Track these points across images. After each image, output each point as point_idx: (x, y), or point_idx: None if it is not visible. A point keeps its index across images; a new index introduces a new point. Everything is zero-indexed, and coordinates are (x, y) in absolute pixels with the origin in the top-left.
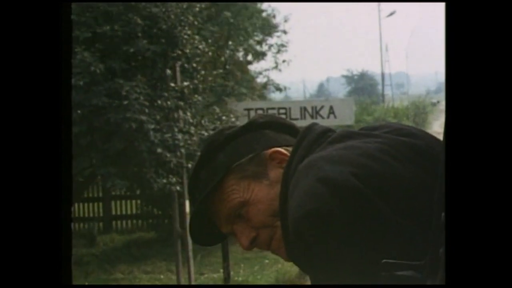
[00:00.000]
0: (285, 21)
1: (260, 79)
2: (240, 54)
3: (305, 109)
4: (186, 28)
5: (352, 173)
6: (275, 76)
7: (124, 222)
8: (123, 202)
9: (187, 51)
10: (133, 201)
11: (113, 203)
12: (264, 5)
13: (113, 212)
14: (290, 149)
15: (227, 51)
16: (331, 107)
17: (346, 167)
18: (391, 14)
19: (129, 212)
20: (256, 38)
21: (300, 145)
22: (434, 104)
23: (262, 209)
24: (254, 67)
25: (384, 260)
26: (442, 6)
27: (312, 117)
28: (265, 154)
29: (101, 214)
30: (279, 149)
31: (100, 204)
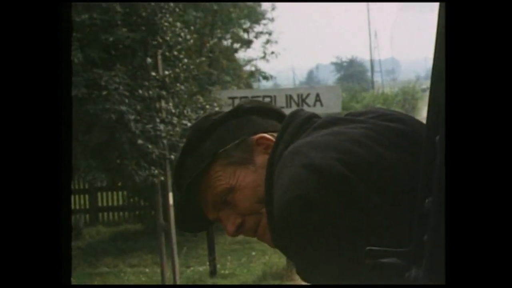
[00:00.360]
0: (272, 9)
1: (249, 68)
2: (226, 42)
3: (291, 97)
4: (167, 15)
5: (337, 159)
6: (263, 65)
7: (110, 214)
8: (109, 193)
9: (168, 38)
10: (119, 193)
11: (99, 194)
12: None
13: (99, 204)
14: (276, 135)
15: (213, 39)
16: (317, 95)
17: (332, 153)
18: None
19: (115, 203)
20: (244, 26)
21: (285, 131)
22: (424, 90)
23: (248, 195)
24: (242, 56)
25: (368, 248)
26: None
27: (298, 105)
28: (251, 140)
29: (87, 206)
30: (265, 135)
31: (86, 196)
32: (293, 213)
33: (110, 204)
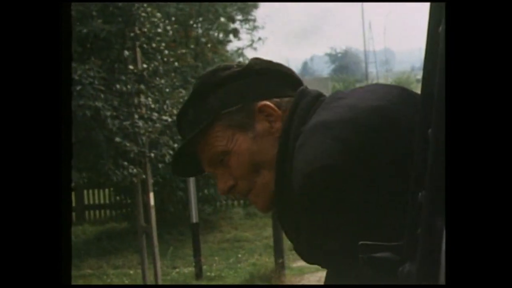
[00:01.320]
0: None
1: (240, 59)
2: (213, 33)
3: None
4: (145, 5)
5: (358, 132)
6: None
7: (97, 212)
8: (96, 191)
9: (146, 30)
10: (106, 190)
11: (85, 192)
12: None
13: (86, 202)
14: (280, 101)
15: (198, 30)
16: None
17: (354, 126)
18: None
19: (102, 201)
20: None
21: (298, 107)
22: (418, 81)
23: (242, 161)
24: (230, 47)
25: (361, 242)
26: None
27: None
28: (255, 106)
29: (74, 204)
30: (269, 103)
31: (73, 193)
32: (318, 181)
33: (96, 202)
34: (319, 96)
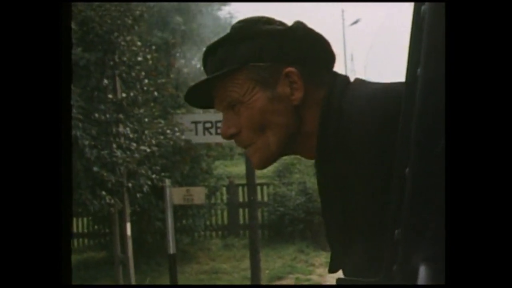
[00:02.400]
0: None
1: None
2: (194, 63)
3: None
4: (125, 33)
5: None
6: None
7: (74, 241)
8: (74, 220)
9: (126, 58)
10: (84, 219)
11: None
12: (223, 10)
13: None
14: (309, 72)
15: (180, 60)
16: None
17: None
18: (355, 22)
19: (79, 230)
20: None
21: (336, 83)
22: None
23: (253, 116)
24: None
25: (338, 277)
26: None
27: None
28: (283, 70)
29: None
30: (296, 71)
31: None
32: (376, 127)
33: (74, 231)
34: (347, 77)
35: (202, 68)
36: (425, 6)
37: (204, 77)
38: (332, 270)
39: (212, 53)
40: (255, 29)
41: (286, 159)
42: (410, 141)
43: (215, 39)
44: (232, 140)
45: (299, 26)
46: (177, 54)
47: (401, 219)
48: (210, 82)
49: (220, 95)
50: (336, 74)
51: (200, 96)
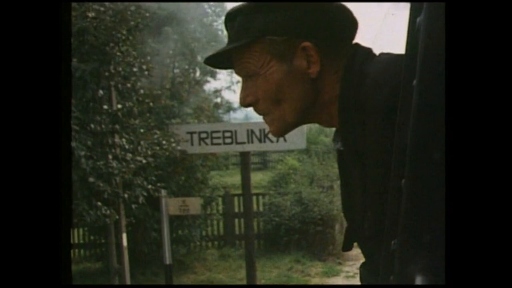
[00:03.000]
0: None
1: (218, 100)
2: (189, 73)
3: (252, 132)
4: (120, 44)
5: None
6: (232, 95)
7: (71, 251)
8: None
9: (121, 69)
10: (80, 229)
11: None
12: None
13: None
14: (326, 47)
15: (175, 70)
16: None
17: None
18: None
19: (76, 240)
20: (204, 55)
21: (357, 52)
22: None
23: (269, 88)
24: (208, 87)
25: None
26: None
27: (260, 140)
28: (300, 43)
29: None
30: (312, 46)
31: None
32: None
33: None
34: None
35: (198, 78)
36: (420, 18)
37: (196, 87)
38: (345, 248)
39: (232, 20)
40: (272, 2)
41: (281, 169)
42: (406, 151)
43: (210, 50)
44: (227, 150)
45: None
46: (172, 64)
47: (398, 229)
48: (228, 52)
49: (238, 65)
50: (357, 45)
51: (221, 60)
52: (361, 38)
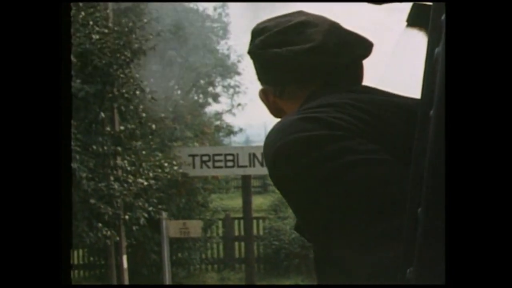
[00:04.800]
0: (238, 61)
1: (218, 123)
2: (192, 96)
3: (254, 155)
4: (124, 66)
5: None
6: (232, 119)
7: (70, 272)
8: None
9: (124, 91)
10: (80, 250)
11: None
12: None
13: None
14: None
15: (178, 92)
16: None
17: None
18: None
19: (76, 262)
20: (207, 79)
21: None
22: None
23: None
24: (209, 110)
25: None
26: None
27: (262, 164)
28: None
29: None
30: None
31: None
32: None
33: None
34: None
35: (199, 100)
36: (439, 48)
37: (198, 110)
38: None
39: (253, 37)
40: (253, 48)
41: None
42: (422, 181)
43: (213, 72)
44: (229, 173)
45: (272, 51)
46: (175, 87)
47: (413, 257)
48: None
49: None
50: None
51: None
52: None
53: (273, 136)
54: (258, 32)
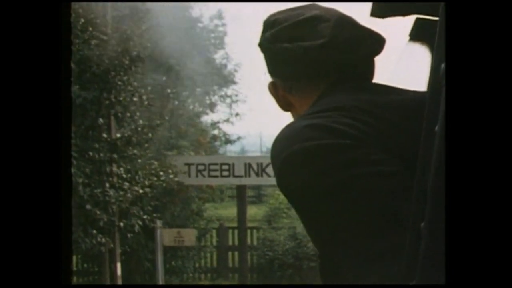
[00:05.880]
0: (235, 70)
1: (216, 132)
2: (188, 105)
3: (249, 165)
4: (122, 73)
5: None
6: (229, 128)
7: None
8: None
9: (122, 98)
10: (74, 257)
11: None
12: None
13: None
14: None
15: (174, 102)
16: None
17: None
18: None
19: None
20: (204, 88)
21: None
22: None
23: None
24: (206, 119)
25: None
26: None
27: (257, 174)
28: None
29: None
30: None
31: None
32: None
33: None
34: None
35: (196, 110)
36: (444, 64)
37: (198, 118)
38: None
39: (263, 30)
40: (263, 41)
41: (274, 203)
42: (426, 195)
43: (209, 81)
44: (224, 183)
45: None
46: (171, 95)
47: (416, 271)
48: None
49: None
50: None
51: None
52: None
53: (280, 144)
54: (269, 25)
